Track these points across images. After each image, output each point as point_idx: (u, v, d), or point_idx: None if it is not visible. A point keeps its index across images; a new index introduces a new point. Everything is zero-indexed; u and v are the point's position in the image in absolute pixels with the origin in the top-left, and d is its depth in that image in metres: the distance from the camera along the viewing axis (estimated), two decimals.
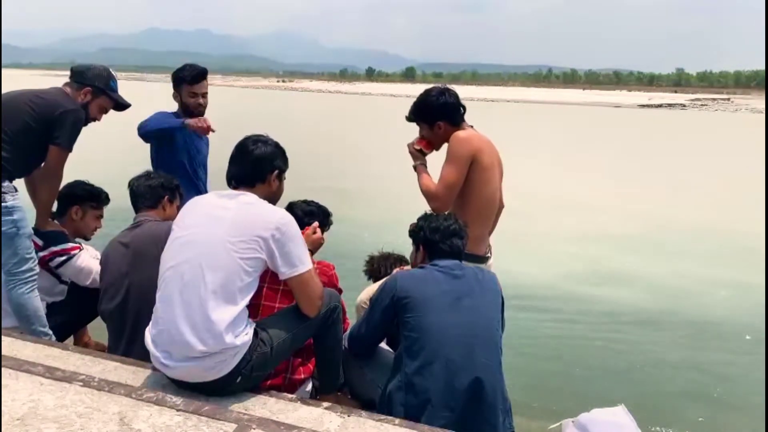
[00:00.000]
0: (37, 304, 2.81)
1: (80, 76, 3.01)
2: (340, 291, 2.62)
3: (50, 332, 2.86)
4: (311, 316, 2.22)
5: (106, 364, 2.33)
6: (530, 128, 30.81)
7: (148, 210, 2.76)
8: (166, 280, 2.11)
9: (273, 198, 2.32)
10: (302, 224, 2.50)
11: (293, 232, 2.14)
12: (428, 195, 2.84)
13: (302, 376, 2.43)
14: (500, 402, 2.17)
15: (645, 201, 11.69)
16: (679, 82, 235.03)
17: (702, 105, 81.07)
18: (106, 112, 3.12)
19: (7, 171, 2.74)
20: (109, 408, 1.94)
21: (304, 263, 2.15)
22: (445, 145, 2.93)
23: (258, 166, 2.27)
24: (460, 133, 2.83)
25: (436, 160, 2.96)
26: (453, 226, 2.46)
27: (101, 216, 3.29)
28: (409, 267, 2.87)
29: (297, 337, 2.24)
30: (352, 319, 2.82)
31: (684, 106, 77.49)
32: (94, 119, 3.07)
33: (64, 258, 2.96)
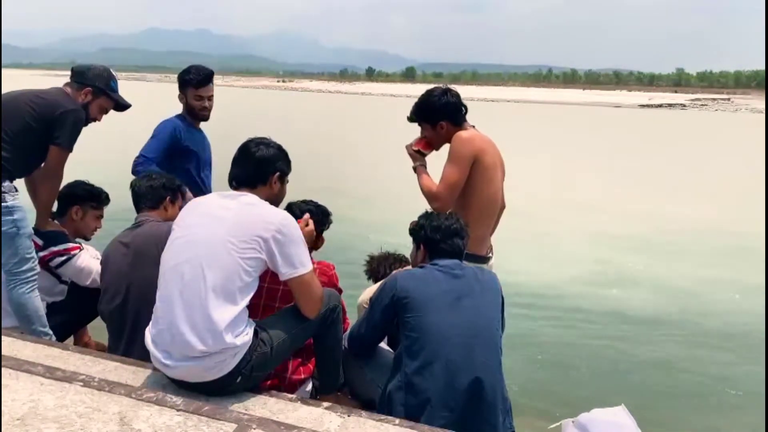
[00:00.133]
0: (38, 303, 2.81)
1: (81, 76, 3.01)
2: (340, 291, 2.62)
3: (50, 332, 2.86)
4: (311, 318, 2.22)
5: (106, 364, 2.33)
6: (530, 128, 30.81)
7: (149, 210, 2.76)
8: (167, 279, 2.11)
9: (275, 200, 2.32)
10: None
11: (294, 234, 2.14)
12: (429, 195, 2.84)
13: (302, 376, 2.44)
14: (500, 402, 2.17)
15: (645, 201, 11.69)
16: (679, 82, 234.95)
17: (702, 105, 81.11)
18: (106, 112, 3.11)
19: (8, 171, 2.74)
20: (109, 408, 1.94)
21: (305, 265, 2.15)
22: (445, 146, 2.93)
23: (259, 167, 2.27)
24: (462, 133, 2.84)
25: (437, 160, 2.96)
26: (454, 226, 2.46)
27: (101, 216, 3.28)
28: (409, 267, 2.86)
29: (297, 337, 2.24)
30: (353, 319, 2.81)
31: (684, 106, 77.52)
32: (95, 119, 3.06)
33: (64, 258, 2.96)
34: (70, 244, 3.01)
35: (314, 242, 2.65)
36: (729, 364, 4.77)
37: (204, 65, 3.56)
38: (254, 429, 1.86)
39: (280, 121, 29.22)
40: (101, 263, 2.73)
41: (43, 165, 2.89)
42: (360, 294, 3.13)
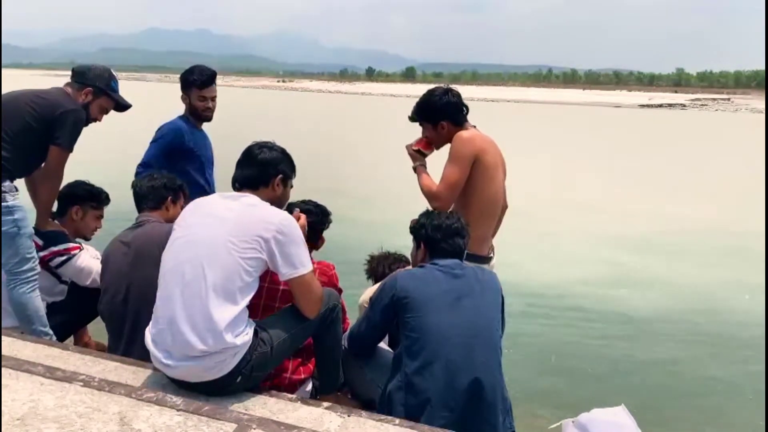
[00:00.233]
0: (38, 303, 2.81)
1: (81, 76, 3.01)
2: (340, 291, 2.62)
3: (51, 332, 2.86)
4: (310, 318, 2.22)
5: (106, 364, 2.33)
6: (530, 128, 30.80)
7: (150, 211, 2.76)
8: (167, 279, 2.11)
9: (278, 203, 2.32)
10: None
11: (295, 234, 2.14)
12: (429, 195, 2.84)
13: (302, 376, 2.44)
14: (500, 402, 2.17)
15: (645, 201, 11.70)
16: (679, 82, 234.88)
17: (702, 105, 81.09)
18: (106, 112, 3.11)
19: (8, 171, 2.74)
20: (109, 408, 1.94)
21: (305, 265, 2.15)
22: (446, 146, 2.93)
23: (262, 169, 2.28)
24: (463, 133, 2.84)
25: (437, 160, 2.96)
26: (455, 225, 2.45)
27: (101, 216, 3.28)
28: (409, 267, 2.86)
29: (297, 336, 2.24)
30: (353, 319, 2.81)
31: (684, 106, 77.50)
32: (95, 120, 3.06)
33: (64, 258, 2.96)
34: (70, 244, 3.01)
35: (312, 242, 2.65)
36: (729, 364, 4.77)
37: (205, 65, 3.56)
38: (254, 429, 1.86)
39: (280, 121, 29.24)
40: (101, 263, 2.73)
41: (43, 165, 2.89)
42: (360, 294, 3.13)
